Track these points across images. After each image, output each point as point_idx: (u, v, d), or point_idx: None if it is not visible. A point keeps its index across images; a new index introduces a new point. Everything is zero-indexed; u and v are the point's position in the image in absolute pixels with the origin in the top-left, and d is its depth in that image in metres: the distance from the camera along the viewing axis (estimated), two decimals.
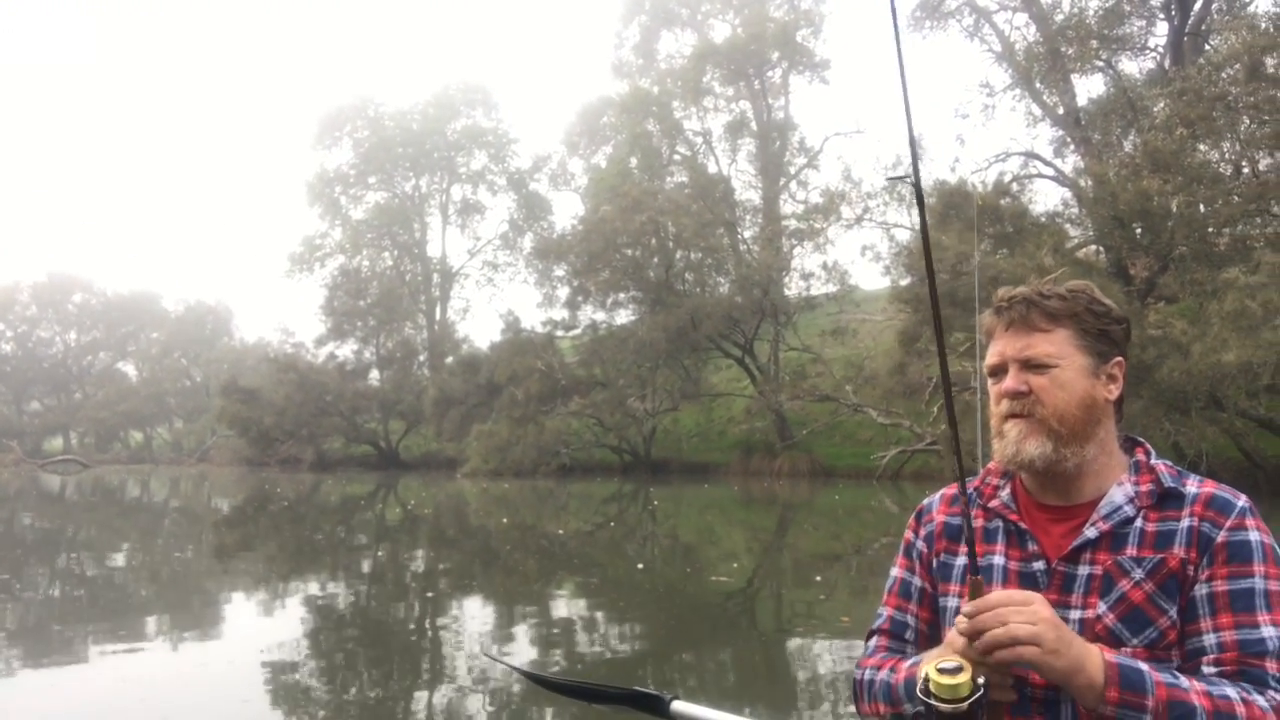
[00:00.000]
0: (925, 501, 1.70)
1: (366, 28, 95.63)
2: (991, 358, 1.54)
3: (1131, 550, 1.43)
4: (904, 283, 21.08)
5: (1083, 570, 1.45)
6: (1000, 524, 1.55)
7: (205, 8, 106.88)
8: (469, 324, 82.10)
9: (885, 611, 1.68)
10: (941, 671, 1.27)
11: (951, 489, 1.65)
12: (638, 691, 2.00)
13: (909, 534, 1.69)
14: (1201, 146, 19.62)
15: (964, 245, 17.81)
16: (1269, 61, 17.79)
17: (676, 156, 44.73)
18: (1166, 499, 1.46)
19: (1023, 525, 1.52)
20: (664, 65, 47.06)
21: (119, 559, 12.27)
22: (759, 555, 12.83)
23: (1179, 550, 1.42)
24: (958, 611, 1.47)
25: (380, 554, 12.56)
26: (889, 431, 27.00)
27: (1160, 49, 28.64)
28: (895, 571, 1.70)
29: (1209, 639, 1.38)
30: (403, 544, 14.04)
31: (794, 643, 6.88)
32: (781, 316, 32.38)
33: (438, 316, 52.68)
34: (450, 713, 5.05)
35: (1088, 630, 1.40)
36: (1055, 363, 1.49)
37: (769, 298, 31.69)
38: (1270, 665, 1.34)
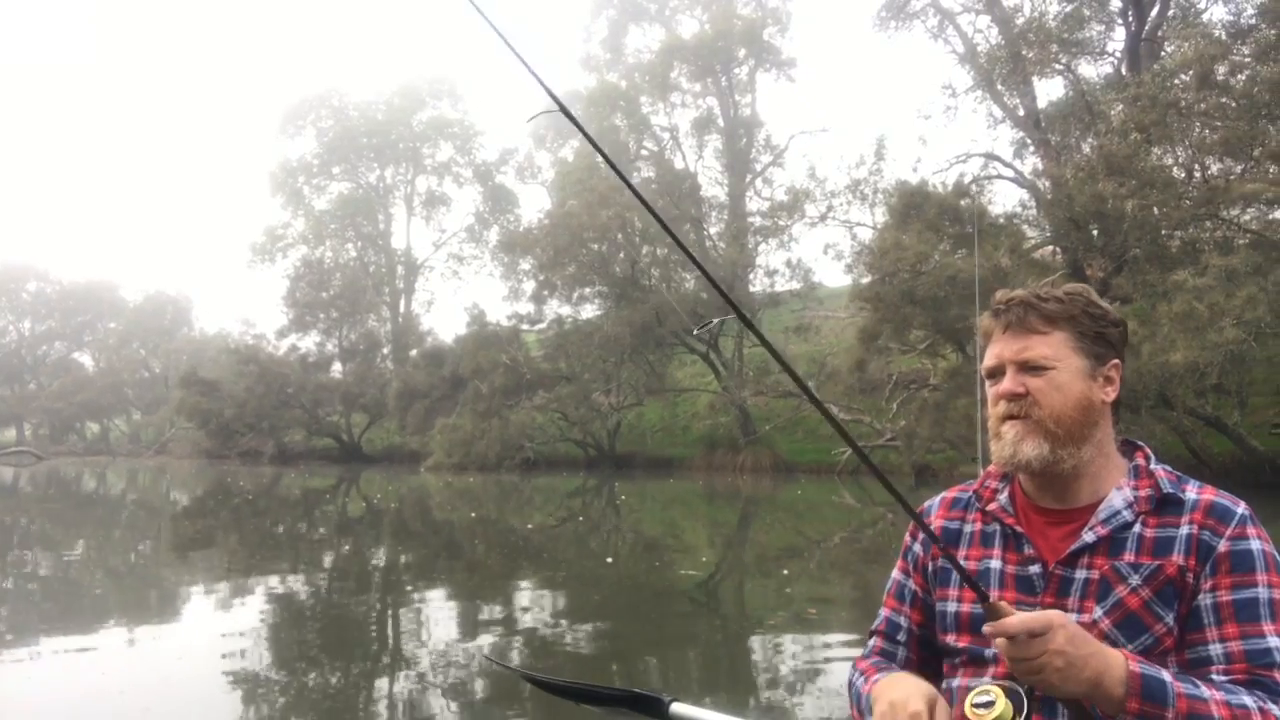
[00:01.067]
0: (925, 505, 1.71)
1: (332, 17, 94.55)
2: (989, 360, 1.56)
3: (1129, 556, 1.43)
4: (865, 281, 21.36)
5: (1080, 574, 1.45)
6: (997, 527, 1.56)
7: None
8: (433, 317, 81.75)
9: (883, 613, 1.70)
10: (977, 708, 1.30)
11: (951, 493, 1.68)
12: (636, 693, 2.01)
13: (908, 538, 1.70)
14: (1156, 150, 20.07)
15: (924, 245, 18.11)
16: (1219, 70, 18.24)
17: (644, 151, 44.76)
18: (1166, 505, 1.47)
19: (1019, 529, 1.53)
20: (632, 60, 47.10)
21: (74, 553, 12.14)
22: (725, 550, 13.01)
23: (1178, 558, 1.42)
24: (955, 617, 1.56)
25: (344, 548, 12.54)
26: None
27: (1118, 54, 29.21)
28: (895, 574, 1.72)
29: (1215, 649, 1.39)
30: (366, 538, 14.02)
31: (765, 636, 7.02)
32: (746, 312, 32.57)
33: (402, 309, 52.32)
34: (411, 707, 5.08)
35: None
36: (1052, 365, 1.50)
37: (734, 294, 31.84)
38: (1259, 585, 1.37)
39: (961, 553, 1.58)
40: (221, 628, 7.02)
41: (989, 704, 1.29)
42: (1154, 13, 27.43)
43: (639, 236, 33.50)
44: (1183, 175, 20.46)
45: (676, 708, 1.93)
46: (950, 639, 1.57)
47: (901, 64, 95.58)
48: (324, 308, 44.84)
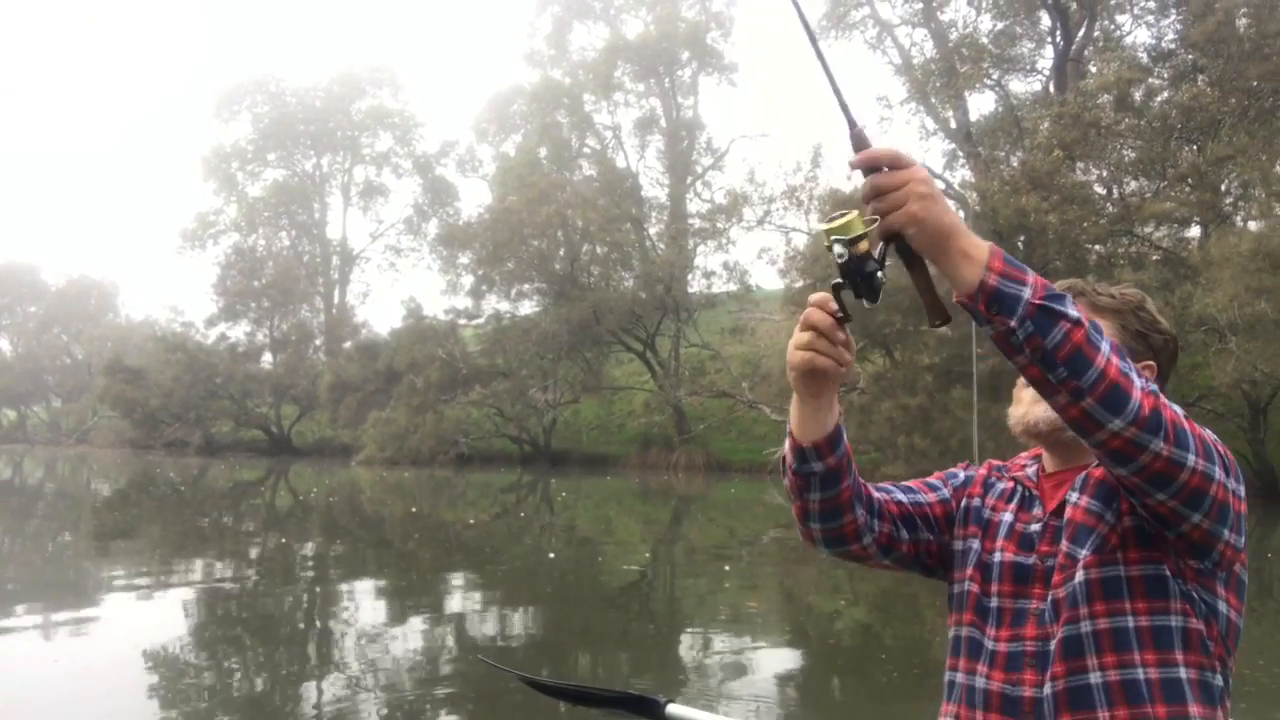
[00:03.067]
0: (967, 462, 1.78)
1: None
2: None
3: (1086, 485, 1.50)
4: (798, 285, 21.81)
5: (1065, 518, 1.50)
6: (1019, 489, 1.61)
7: None
8: (369, 309, 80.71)
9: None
10: (829, 220, 1.27)
11: (994, 461, 1.74)
12: (632, 694, 2.02)
13: (957, 468, 1.75)
14: (1081, 166, 20.90)
15: None
16: (1136, 93, 19.07)
17: (586, 149, 44.85)
18: None
19: (1034, 491, 1.58)
20: (576, 57, 47.08)
21: None
22: (664, 546, 13.26)
23: None
24: (975, 553, 1.56)
25: (276, 542, 12.46)
26: (781, 428, 27.64)
27: (1047, 72, 30.23)
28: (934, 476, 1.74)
29: None
30: (298, 532, 13.93)
31: (713, 630, 7.25)
32: (683, 313, 32.95)
33: (336, 300, 51.52)
34: (338, 706, 5.07)
35: (1058, 564, 1.45)
36: None
37: (672, 294, 32.21)
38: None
39: (990, 501, 1.63)
40: (140, 622, 6.92)
41: (840, 215, 1.27)
42: (1080, 34, 28.46)
43: (579, 234, 33.62)
44: (1104, 192, 21.35)
45: (672, 709, 1.92)
46: (956, 585, 1.59)
47: (842, 73, 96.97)
48: (255, 297, 43.98)
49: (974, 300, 1.26)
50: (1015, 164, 23.71)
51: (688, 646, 6.75)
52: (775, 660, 6.33)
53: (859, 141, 1.29)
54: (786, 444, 1.56)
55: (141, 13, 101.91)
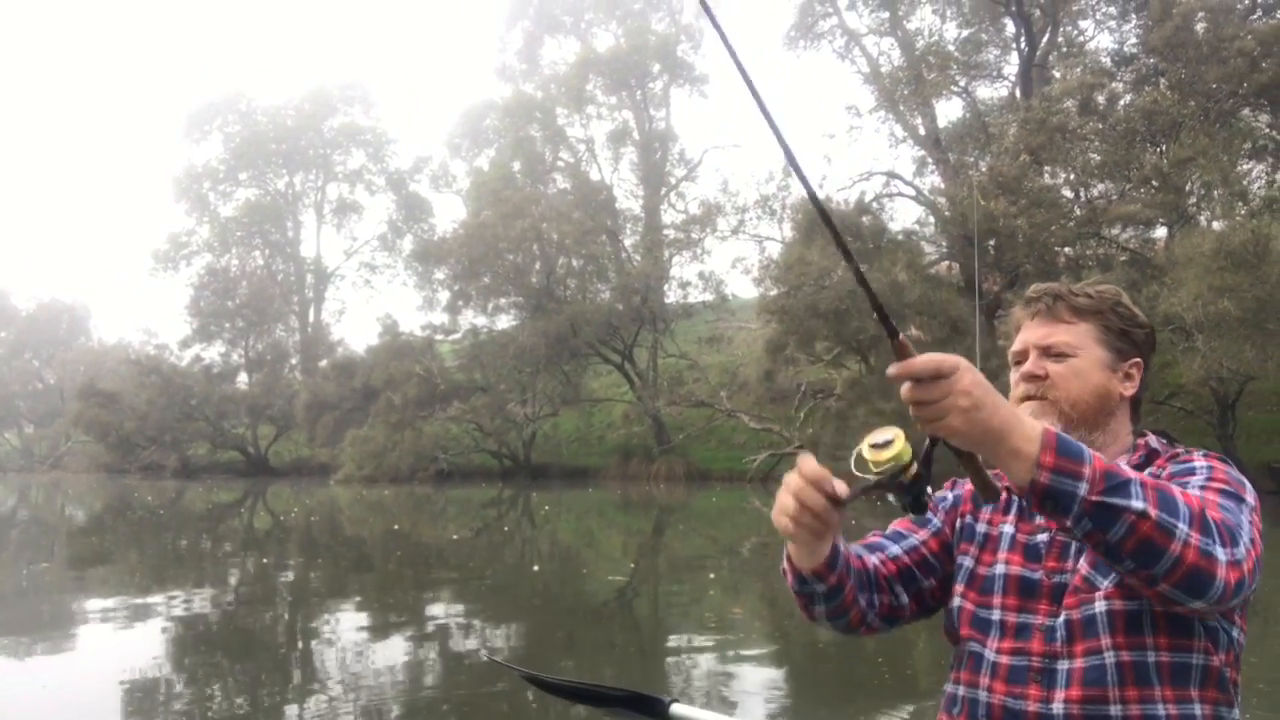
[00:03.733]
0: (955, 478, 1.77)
1: (241, 18, 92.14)
2: (1015, 345, 1.60)
3: None
4: (772, 294, 21.99)
5: None
6: (1015, 499, 1.60)
7: None
8: (344, 327, 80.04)
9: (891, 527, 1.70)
10: (874, 448, 1.23)
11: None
12: (637, 694, 2.03)
13: (944, 490, 1.73)
14: (1049, 170, 21.23)
15: (827, 260, 18.77)
16: (1099, 97, 19.41)
17: (559, 163, 45.00)
18: (1149, 460, 1.54)
19: None
20: (548, 71, 47.28)
21: None
22: (647, 556, 13.31)
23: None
24: (968, 569, 1.56)
25: (259, 564, 12.39)
26: (760, 436, 27.97)
27: (1013, 78, 30.69)
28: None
29: None
30: (275, 553, 13.84)
31: (698, 633, 7.30)
32: (660, 324, 33.07)
33: (311, 318, 51.30)
34: None
35: (1072, 584, 1.44)
36: (1074, 352, 1.55)
37: (648, 305, 32.34)
38: (1194, 488, 1.38)
39: (985, 515, 1.62)
40: (119, 649, 6.83)
41: (887, 443, 1.23)
42: (1045, 40, 28.93)
43: (554, 248, 33.69)
44: (1072, 195, 21.69)
45: (677, 709, 1.92)
46: (955, 598, 1.59)
47: (812, 82, 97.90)
48: (229, 317, 43.70)
49: (1026, 499, 1.23)
50: (984, 169, 24.07)
51: (675, 653, 6.80)
52: (763, 663, 6.41)
53: (900, 350, 1.20)
54: (785, 563, 1.53)
55: (110, 32, 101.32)
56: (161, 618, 8.26)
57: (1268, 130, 20.14)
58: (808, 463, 1.36)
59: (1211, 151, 18.31)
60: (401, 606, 8.82)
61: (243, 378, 44.58)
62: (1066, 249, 21.03)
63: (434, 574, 11.15)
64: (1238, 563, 1.24)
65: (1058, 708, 1.40)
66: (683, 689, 5.59)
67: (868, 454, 1.23)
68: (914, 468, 1.23)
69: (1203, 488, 1.37)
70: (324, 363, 42.04)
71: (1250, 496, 1.40)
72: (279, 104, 53.16)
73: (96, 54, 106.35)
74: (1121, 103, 20.87)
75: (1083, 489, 1.19)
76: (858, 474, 1.24)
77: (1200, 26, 20.37)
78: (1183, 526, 1.20)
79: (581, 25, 47.47)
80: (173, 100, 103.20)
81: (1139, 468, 1.51)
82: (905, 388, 1.20)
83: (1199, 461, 1.47)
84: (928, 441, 1.24)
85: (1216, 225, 19.31)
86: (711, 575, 10.55)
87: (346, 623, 8.12)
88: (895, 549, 1.64)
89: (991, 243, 21.09)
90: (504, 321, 35.06)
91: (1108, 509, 1.19)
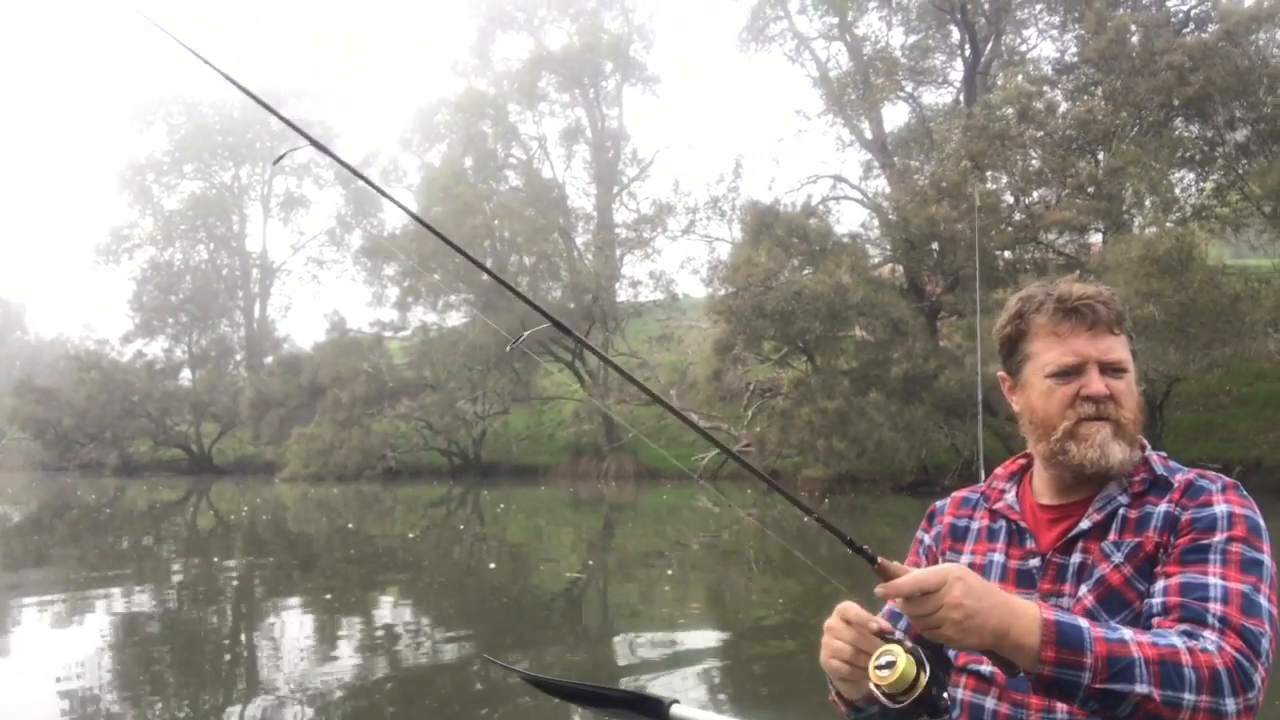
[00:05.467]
0: (937, 504, 1.74)
1: (185, 8, 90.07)
2: (1067, 357, 1.49)
3: (1114, 535, 1.45)
4: (720, 294, 22.29)
5: (1074, 559, 1.46)
6: (1003, 524, 1.58)
7: None
8: (290, 323, 78.78)
9: (889, 605, 1.63)
10: (879, 670, 1.27)
11: (962, 493, 1.71)
12: (637, 695, 2.06)
13: (920, 533, 1.72)
14: (991, 175, 21.78)
15: (773, 262, 19.10)
16: (1038, 105, 19.97)
17: (512, 159, 44.82)
18: (1154, 487, 1.49)
19: (1023, 524, 1.54)
20: (500, 67, 47.07)
21: None
22: (601, 553, 13.48)
23: (1153, 534, 1.43)
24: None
25: (194, 563, 12.28)
26: (709, 434, 28.28)
27: (959, 84, 31.34)
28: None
29: (1157, 585, 1.38)
30: (220, 551, 13.74)
31: (660, 629, 7.45)
32: (611, 322, 33.22)
33: (256, 314, 50.49)
34: None
35: (1071, 610, 1.41)
36: (1127, 367, 1.50)
37: (599, 304, 32.46)
38: (1213, 606, 1.31)
39: (967, 548, 1.60)
40: (56, 652, 6.73)
41: (890, 665, 1.26)
42: (989, 47, 29.59)
43: (505, 245, 33.65)
44: (1012, 201, 22.27)
45: (677, 709, 1.95)
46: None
47: (764, 84, 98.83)
48: (173, 312, 42.96)
49: (1032, 685, 1.26)
50: (927, 174, 24.61)
51: (642, 647, 6.90)
52: (728, 655, 6.58)
53: (883, 572, 1.27)
54: (833, 695, 1.52)
55: (50, 19, 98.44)
56: (100, 619, 8.18)
57: (1195, 141, 20.89)
58: (851, 609, 1.38)
59: (1143, 161, 18.97)
60: (351, 607, 8.83)
61: (186, 374, 43.86)
62: (1005, 253, 21.59)
63: (385, 574, 11.17)
64: (1250, 705, 1.26)
65: (1061, 714, 1.41)
66: (642, 680, 5.71)
67: (873, 677, 1.27)
68: (921, 680, 1.25)
69: (1224, 563, 1.35)
70: (270, 359, 41.51)
71: (1267, 546, 1.39)
72: (225, 96, 52.23)
73: (35, 41, 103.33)
74: (1059, 111, 21.49)
75: (1086, 678, 1.22)
76: (872, 688, 1.28)
77: (1135, 39, 21.05)
78: (1189, 697, 1.22)
79: (535, 22, 47.34)
80: (114, 90, 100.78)
81: (1142, 495, 1.48)
82: (899, 602, 1.27)
83: (1219, 506, 1.42)
84: (923, 655, 1.28)
85: (1150, 231, 20.00)
86: (670, 571, 10.75)
87: (292, 623, 8.13)
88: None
89: (934, 246, 21.60)
90: (454, 319, 34.96)
91: (1112, 694, 1.22)
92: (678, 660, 6.29)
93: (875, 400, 18.78)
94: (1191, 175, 22.21)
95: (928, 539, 1.69)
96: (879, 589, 1.28)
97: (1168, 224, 19.39)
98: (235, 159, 52.13)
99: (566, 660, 6.52)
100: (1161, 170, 19.68)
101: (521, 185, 40.60)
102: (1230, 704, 1.23)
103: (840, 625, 1.37)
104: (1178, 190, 21.64)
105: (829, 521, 1.36)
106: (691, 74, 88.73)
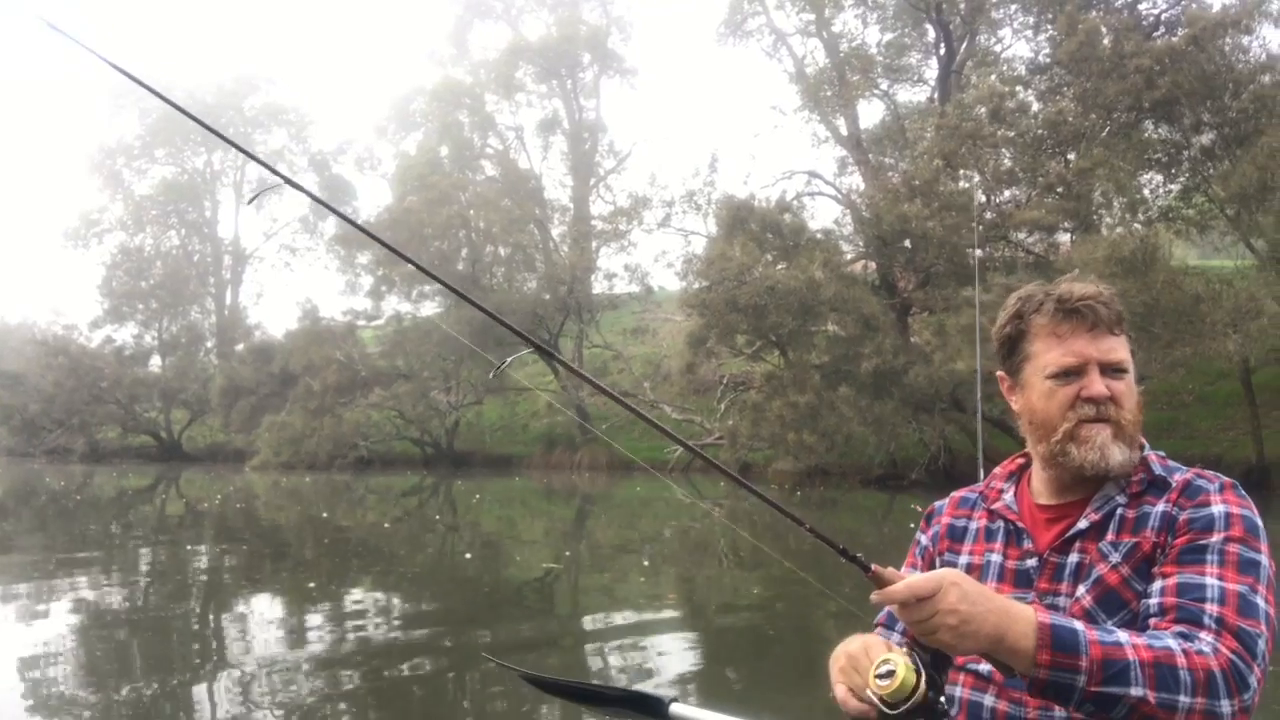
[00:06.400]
0: (936, 504, 1.73)
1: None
2: (1069, 358, 1.48)
3: (1111, 535, 1.45)
4: (694, 288, 22.42)
5: (1071, 559, 1.46)
6: (1001, 524, 1.57)
7: None
8: (262, 310, 78.26)
9: (888, 608, 1.61)
10: (879, 679, 1.28)
11: (960, 493, 1.70)
12: (637, 693, 2.05)
13: (919, 534, 1.71)
14: (963, 173, 22.03)
15: (747, 256, 19.25)
16: (1009, 105, 20.22)
17: (488, 149, 44.64)
18: (1152, 487, 1.48)
19: (1021, 525, 1.54)
20: (478, 56, 46.85)
21: None
22: (575, 543, 13.59)
23: (1151, 534, 1.43)
24: None
25: (163, 551, 12.25)
26: (682, 427, 28.41)
27: (934, 82, 31.61)
28: (904, 570, 1.65)
29: (1154, 586, 1.38)
30: (190, 539, 13.70)
31: (638, 619, 7.53)
32: (586, 314, 33.27)
33: (228, 301, 50.02)
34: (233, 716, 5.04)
35: (1069, 612, 1.41)
36: (1128, 368, 1.49)
37: (574, 296, 32.49)
38: (1209, 607, 1.31)
39: (965, 548, 1.60)
40: (21, 639, 6.65)
41: (890, 674, 1.27)
42: (964, 47, 29.87)
43: (481, 235, 33.58)
44: (983, 199, 22.55)
45: (676, 708, 1.92)
46: None
47: (741, 80, 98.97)
48: (143, 298, 42.51)
49: (1028, 687, 1.27)
50: (900, 172, 24.85)
51: (620, 639, 6.93)
52: (707, 644, 6.68)
53: (877, 580, 1.28)
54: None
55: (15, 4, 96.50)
56: (66, 607, 8.14)
57: (1163, 143, 21.23)
58: (855, 651, 1.39)
59: (1111, 162, 19.27)
60: (324, 596, 8.84)
61: (156, 361, 43.45)
62: (977, 251, 21.87)
63: (359, 562, 11.20)
64: (1246, 707, 1.27)
65: (1059, 712, 1.40)
66: (632, 679, 5.79)
67: (873, 685, 1.28)
68: (920, 687, 1.26)
69: (1221, 563, 1.36)
70: (241, 346, 41.19)
71: (1264, 547, 1.39)
72: (199, 80, 51.70)
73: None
74: (1031, 111, 21.77)
75: (1081, 680, 1.23)
76: (872, 696, 1.29)
77: (1105, 42, 21.35)
78: (1184, 699, 1.23)
79: (513, 12, 47.16)
80: (85, 74, 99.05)
81: (1140, 495, 1.48)
82: (895, 609, 1.28)
83: (1216, 506, 1.42)
84: (922, 661, 1.29)
85: (1118, 232, 20.32)
86: (646, 562, 10.86)
87: (262, 612, 8.16)
88: (897, 639, 1.62)
89: (906, 243, 21.84)
90: (428, 308, 34.83)
91: (1108, 697, 1.23)
92: (656, 649, 6.39)
93: (845, 395, 18.99)
94: (1159, 177, 22.57)
95: (925, 540, 1.69)
96: (874, 596, 1.28)
97: (1135, 225, 19.73)
98: (207, 145, 51.47)
99: (547, 660, 6.61)
100: (1129, 172, 20.01)
101: (498, 175, 40.49)
102: (1225, 706, 1.24)
103: (838, 671, 1.39)
104: (1145, 192, 22.00)
105: (821, 533, 1.37)
106: (669, 67, 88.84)
